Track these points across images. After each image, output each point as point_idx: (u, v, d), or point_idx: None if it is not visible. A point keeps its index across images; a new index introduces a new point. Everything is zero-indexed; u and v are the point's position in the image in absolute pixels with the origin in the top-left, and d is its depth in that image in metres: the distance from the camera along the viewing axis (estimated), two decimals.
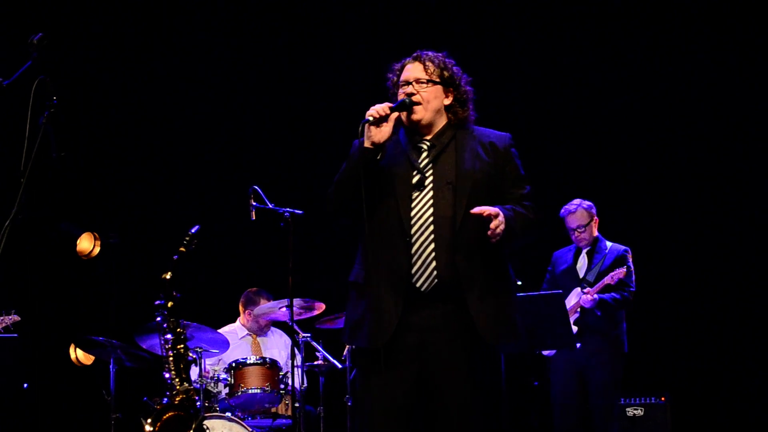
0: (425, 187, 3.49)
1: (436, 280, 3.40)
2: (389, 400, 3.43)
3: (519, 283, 5.64)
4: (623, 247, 6.40)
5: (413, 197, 3.47)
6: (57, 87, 3.51)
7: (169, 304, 4.75)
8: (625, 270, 6.17)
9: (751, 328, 7.60)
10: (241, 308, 6.92)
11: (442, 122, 3.61)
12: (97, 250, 7.88)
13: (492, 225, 3.34)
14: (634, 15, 7.88)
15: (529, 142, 7.84)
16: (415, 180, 3.50)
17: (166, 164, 8.37)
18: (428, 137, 3.58)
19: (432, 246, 3.42)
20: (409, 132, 3.58)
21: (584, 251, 6.48)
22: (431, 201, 3.46)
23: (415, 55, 3.66)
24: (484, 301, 3.43)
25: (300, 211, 5.90)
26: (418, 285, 3.41)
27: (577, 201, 6.49)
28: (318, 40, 8.21)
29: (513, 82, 8.07)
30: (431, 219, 3.44)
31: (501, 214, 3.36)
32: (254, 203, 5.97)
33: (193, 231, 4.72)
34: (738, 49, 7.69)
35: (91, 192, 8.18)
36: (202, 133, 8.33)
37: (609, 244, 6.45)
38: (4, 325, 5.69)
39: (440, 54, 3.67)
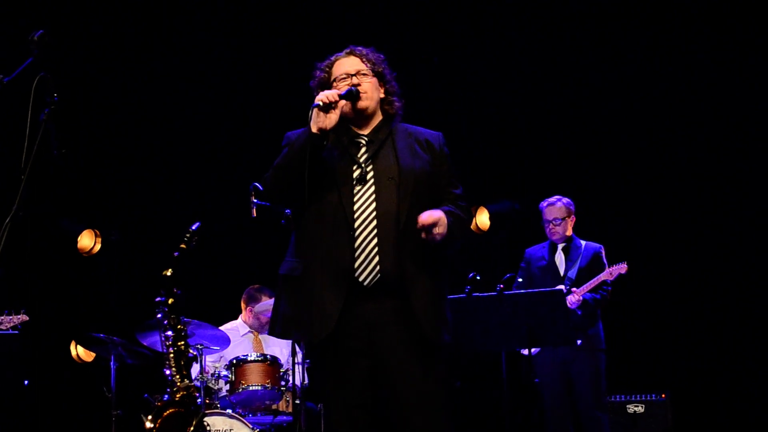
0: (367, 181, 3.49)
1: (379, 275, 3.40)
2: (346, 397, 3.44)
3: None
4: (598, 245, 6.50)
5: (355, 191, 3.48)
6: (58, 84, 3.50)
7: (170, 301, 4.76)
8: (626, 266, 6.20)
9: (751, 325, 7.60)
10: (243, 305, 6.93)
11: (378, 117, 3.64)
12: (98, 247, 7.89)
13: (435, 230, 3.37)
14: (630, 14, 7.88)
15: (517, 143, 7.95)
16: (356, 174, 3.50)
17: (166, 161, 8.38)
18: (365, 132, 3.60)
19: (375, 241, 3.41)
20: (345, 127, 3.58)
21: (560, 248, 6.52)
22: (374, 196, 3.47)
23: (348, 50, 3.71)
24: (425, 298, 3.44)
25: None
26: (360, 279, 3.40)
27: (559, 196, 6.56)
28: (318, 38, 8.20)
29: (502, 83, 8.09)
30: (374, 214, 3.44)
31: (444, 218, 3.40)
32: (255, 200, 5.95)
33: (193, 228, 4.73)
34: (731, 47, 7.68)
35: (92, 189, 8.19)
36: (203, 130, 8.34)
37: (583, 242, 6.52)
38: (12, 324, 5.70)
39: (370, 49, 3.71)
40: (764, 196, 7.60)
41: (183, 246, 4.70)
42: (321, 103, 3.43)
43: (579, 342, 6.14)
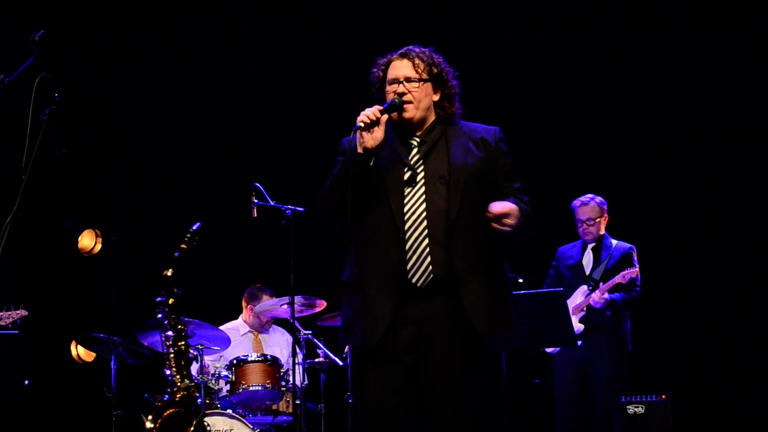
0: (417, 183, 3.47)
1: (431, 276, 3.40)
2: (384, 397, 3.42)
3: (520, 280, 5.67)
4: (629, 245, 6.39)
5: (405, 193, 3.46)
6: (58, 84, 3.50)
7: (170, 301, 4.77)
8: (637, 269, 6.16)
9: (751, 326, 7.60)
10: (243, 304, 6.93)
11: (431, 118, 3.60)
12: (99, 247, 7.89)
13: (507, 221, 3.36)
14: (637, 12, 7.88)
15: (535, 140, 7.94)
16: (406, 176, 3.48)
17: (167, 161, 8.37)
18: (418, 133, 3.57)
19: (426, 241, 3.41)
20: (398, 128, 3.56)
21: (590, 248, 6.46)
22: (423, 196, 3.45)
23: (402, 51, 3.62)
24: (478, 295, 3.43)
25: (301, 209, 5.90)
26: (413, 281, 3.40)
27: (591, 195, 6.49)
28: (319, 37, 8.21)
29: (518, 79, 8.07)
30: (424, 214, 3.43)
31: (516, 209, 3.39)
32: (256, 200, 5.97)
33: (194, 228, 4.73)
34: (743, 47, 7.68)
35: (93, 189, 8.18)
36: (204, 130, 8.34)
37: (614, 242, 6.44)
38: (12, 319, 5.70)
39: (428, 49, 3.64)
40: (764, 195, 7.59)
41: (183, 246, 4.70)
42: (362, 124, 3.40)
43: (579, 343, 6.13)
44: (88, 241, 7.88)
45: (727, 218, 7.71)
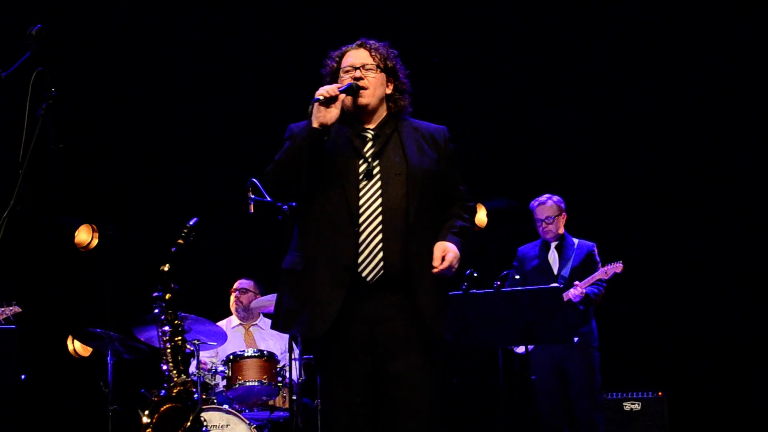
0: (373, 177, 3.46)
1: (382, 271, 3.38)
2: (348, 394, 3.42)
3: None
4: (591, 243, 6.51)
5: (361, 186, 3.45)
6: (55, 79, 3.50)
7: (167, 296, 4.75)
8: (621, 265, 6.20)
9: (747, 323, 7.61)
10: (231, 294, 6.97)
11: (383, 112, 3.60)
12: (95, 242, 7.89)
13: (443, 266, 3.39)
14: (625, 11, 7.88)
15: (529, 137, 7.96)
16: (362, 169, 3.48)
17: (164, 156, 8.37)
18: (371, 126, 3.57)
19: (380, 237, 3.39)
20: (350, 120, 3.56)
21: (552, 246, 6.52)
22: (380, 191, 3.44)
23: (359, 42, 3.66)
24: (431, 294, 3.44)
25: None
26: (363, 275, 3.38)
27: (548, 195, 6.56)
28: (316, 35, 8.20)
29: (496, 83, 8.10)
30: (380, 210, 3.42)
31: (457, 254, 3.41)
32: (253, 196, 5.95)
33: (191, 223, 4.72)
34: (736, 43, 7.70)
35: (90, 184, 8.18)
36: (201, 125, 8.33)
37: (576, 240, 6.51)
38: (5, 316, 5.70)
39: (383, 43, 3.67)
40: (762, 193, 7.60)
41: (180, 241, 4.68)
42: (321, 98, 3.41)
43: (576, 339, 6.15)
44: (84, 235, 7.89)
45: (722, 215, 7.72)
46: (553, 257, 6.51)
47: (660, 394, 6.88)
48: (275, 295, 6.29)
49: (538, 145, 8.11)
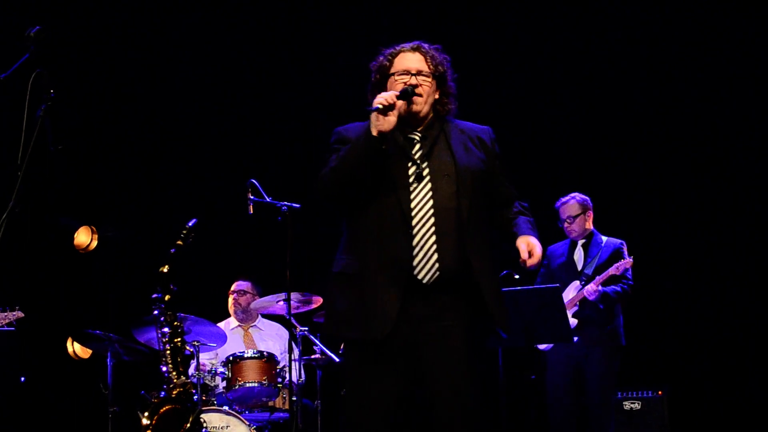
0: (423, 178, 3.47)
1: (438, 273, 3.39)
2: (383, 393, 3.41)
3: (516, 276, 5.67)
4: (619, 241, 6.41)
5: (411, 189, 3.46)
6: (54, 80, 3.50)
7: (167, 297, 4.75)
8: (631, 260, 6.18)
9: (748, 322, 7.60)
10: (229, 296, 6.97)
11: (430, 115, 3.62)
12: (95, 243, 7.88)
13: (534, 260, 3.45)
14: (632, 7, 7.88)
15: (529, 138, 7.95)
16: (411, 171, 3.49)
17: (163, 158, 8.37)
18: (418, 129, 3.58)
19: (434, 238, 3.40)
20: (399, 124, 3.55)
21: (579, 244, 6.49)
22: (431, 193, 3.45)
23: (415, 45, 3.64)
24: (495, 292, 3.48)
25: (297, 205, 5.89)
26: (419, 277, 3.38)
27: (573, 193, 6.52)
28: (316, 34, 8.20)
29: (512, 76, 8.08)
30: (432, 211, 3.43)
31: (539, 245, 3.48)
32: (252, 197, 5.96)
33: (190, 224, 4.72)
34: (739, 44, 7.69)
35: (89, 185, 8.18)
36: (200, 126, 8.33)
37: (604, 238, 6.46)
38: (7, 321, 5.69)
39: (436, 47, 3.67)
40: (764, 193, 7.60)
41: (179, 242, 4.68)
42: (380, 107, 3.39)
43: (576, 339, 6.14)
44: (84, 237, 7.88)
45: (724, 213, 7.71)
46: (578, 255, 6.47)
47: (660, 393, 6.87)
48: (275, 296, 6.35)
49: (551, 144, 8.08)
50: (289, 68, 8.21)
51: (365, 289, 3.41)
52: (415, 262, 3.39)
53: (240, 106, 8.35)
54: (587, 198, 6.52)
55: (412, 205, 3.44)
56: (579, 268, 6.41)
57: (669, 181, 7.90)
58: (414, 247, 3.39)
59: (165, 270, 4.70)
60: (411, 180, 3.47)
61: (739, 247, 7.68)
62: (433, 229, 3.41)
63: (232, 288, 6.95)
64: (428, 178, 3.48)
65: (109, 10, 7.98)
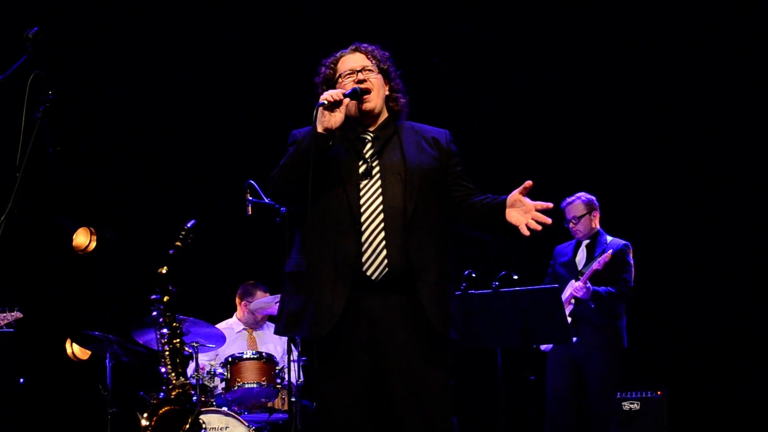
0: (372, 176, 3.49)
1: (387, 269, 3.39)
2: (345, 390, 3.42)
3: (515, 277, 5.66)
4: (624, 242, 6.38)
5: (361, 186, 3.47)
6: (52, 81, 3.50)
7: (165, 298, 4.75)
8: (611, 253, 6.15)
9: (747, 323, 7.60)
10: (237, 300, 6.92)
11: (384, 115, 3.64)
12: (93, 244, 7.87)
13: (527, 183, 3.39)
14: (638, 6, 7.89)
15: (532, 137, 7.95)
16: (361, 169, 3.50)
17: (162, 158, 8.37)
18: (371, 129, 3.60)
19: (382, 234, 3.41)
20: (352, 124, 3.57)
21: (584, 244, 6.47)
22: (380, 190, 3.46)
23: (353, 46, 3.70)
24: (433, 292, 3.44)
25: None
26: (368, 273, 3.39)
27: (579, 193, 6.51)
28: (315, 36, 8.19)
29: (516, 75, 8.08)
30: (381, 208, 3.44)
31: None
32: (250, 198, 5.96)
33: (188, 225, 4.71)
34: (741, 43, 7.69)
35: (87, 187, 8.18)
36: (199, 127, 8.33)
37: (609, 238, 6.44)
38: (6, 321, 5.69)
39: (375, 46, 3.71)
40: (763, 191, 7.60)
41: (178, 243, 4.68)
42: (326, 102, 3.41)
43: (575, 339, 6.13)
44: (82, 238, 7.87)
45: (724, 214, 7.72)
46: (581, 255, 6.44)
47: (659, 393, 6.87)
48: (273, 297, 6.35)
49: (550, 145, 8.08)
50: (289, 68, 8.20)
51: (313, 286, 3.41)
52: (363, 259, 3.39)
53: (239, 107, 8.36)
54: (593, 198, 6.50)
55: (361, 201, 3.44)
56: (579, 267, 6.41)
57: (669, 182, 7.90)
58: (363, 244, 3.40)
59: (164, 271, 4.70)
60: (361, 177, 3.48)
61: (739, 247, 7.68)
62: (381, 225, 3.42)
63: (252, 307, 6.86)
64: (378, 176, 3.49)
65: (108, 11, 7.98)
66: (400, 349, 3.41)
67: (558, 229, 6.63)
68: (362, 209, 3.43)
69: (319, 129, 3.43)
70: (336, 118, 3.43)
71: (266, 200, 5.97)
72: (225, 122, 8.34)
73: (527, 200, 3.41)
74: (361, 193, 3.46)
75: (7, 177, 3.50)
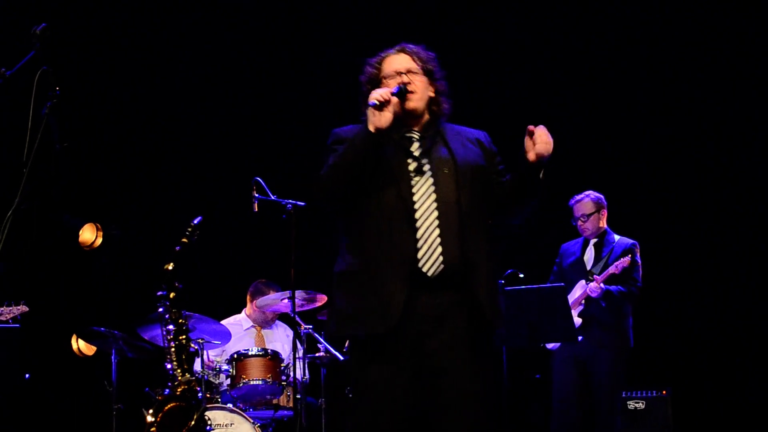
0: (424, 173, 3.50)
1: (442, 266, 3.39)
2: (390, 389, 3.39)
3: (521, 275, 5.66)
4: (631, 241, 6.38)
5: (413, 182, 3.48)
6: (59, 78, 3.51)
7: (171, 295, 4.76)
8: (629, 258, 6.15)
9: (752, 323, 7.60)
10: (248, 299, 6.93)
11: (426, 117, 3.64)
12: (100, 241, 7.89)
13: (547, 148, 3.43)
14: (646, 4, 7.87)
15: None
16: (412, 167, 3.51)
17: (168, 155, 8.38)
18: (416, 129, 3.61)
19: (437, 231, 3.41)
20: (396, 123, 3.56)
21: (591, 243, 6.46)
22: (433, 187, 3.47)
23: (399, 47, 3.68)
24: (487, 287, 3.47)
25: (302, 203, 5.89)
26: (424, 270, 3.39)
27: (587, 192, 6.50)
28: (316, 35, 8.20)
29: (521, 74, 8.07)
30: (435, 205, 3.44)
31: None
32: (257, 195, 5.97)
33: (195, 222, 4.73)
34: (747, 43, 7.68)
35: (94, 183, 8.19)
36: (205, 124, 8.33)
37: (617, 237, 6.43)
38: (12, 315, 5.70)
39: (420, 46, 3.70)
40: (766, 190, 7.59)
41: (184, 240, 4.69)
42: (377, 102, 3.41)
43: (580, 339, 6.12)
44: (88, 235, 7.89)
45: (729, 215, 7.71)
46: (589, 254, 6.44)
47: (664, 393, 6.86)
48: (279, 294, 6.35)
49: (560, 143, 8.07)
50: (294, 65, 8.21)
51: (370, 284, 3.40)
52: (419, 255, 3.39)
53: (245, 104, 8.36)
54: (601, 196, 6.49)
55: (415, 198, 3.45)
56: (588, 267, 6.40)
57: (674, 182, 7.89)
58: (418, 240, 3.40)
59: (170, 267, 4.71)
60: (412, 174, 3.49)
61: (744, 248, 7.67)
62: (437, 222, 3.42)
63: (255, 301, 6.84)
64: (429, 173, 3.50)
65: (114, 9, 7.99)
66: (447, 347, 3.41)
67: (564, 228, 6.65)
68: (416, 205, 3.44)
69: (371, 128, 3.42)
70: (385, 118, 3.42)
71: (272, 197, 5.98)
72: (231, 119, 8.35)
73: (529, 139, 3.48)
74: (414, 190, 3.46)
75: (14, 173, 3.50)
